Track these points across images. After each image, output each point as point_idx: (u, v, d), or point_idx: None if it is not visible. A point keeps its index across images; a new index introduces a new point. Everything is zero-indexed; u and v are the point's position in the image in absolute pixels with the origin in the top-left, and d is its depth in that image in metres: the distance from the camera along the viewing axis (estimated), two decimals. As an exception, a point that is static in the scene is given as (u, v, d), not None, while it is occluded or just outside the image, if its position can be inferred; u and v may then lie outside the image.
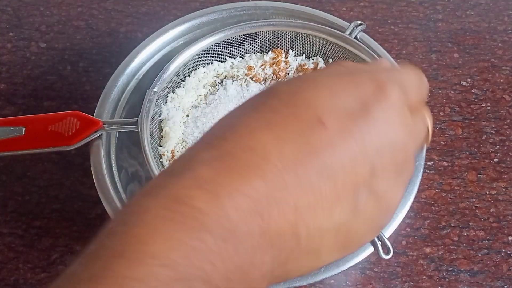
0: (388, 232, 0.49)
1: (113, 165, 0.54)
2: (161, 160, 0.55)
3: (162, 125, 0.57)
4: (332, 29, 0.59)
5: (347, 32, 0.59)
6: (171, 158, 0.55)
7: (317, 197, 0.25)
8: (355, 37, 0.59)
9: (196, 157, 0.24)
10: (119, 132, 0.56)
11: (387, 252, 0.46)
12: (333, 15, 0.62)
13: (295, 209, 0.25)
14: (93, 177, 0.51)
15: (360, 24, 0.59)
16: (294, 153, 0.24)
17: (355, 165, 0.26)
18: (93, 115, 0.54)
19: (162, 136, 0.57)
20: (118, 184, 0.52)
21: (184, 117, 0.59)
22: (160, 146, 0.56)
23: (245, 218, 0.23)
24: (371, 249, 0.47)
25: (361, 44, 0.58)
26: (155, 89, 0.54)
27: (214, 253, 0.23)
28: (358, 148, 0.25)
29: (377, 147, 0.26)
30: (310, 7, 0.63)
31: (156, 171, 0.50)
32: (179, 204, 0.23)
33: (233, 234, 0.23)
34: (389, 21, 0.76)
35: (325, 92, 0.26)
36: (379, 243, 0.47)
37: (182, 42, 0.62)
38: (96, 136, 0.52)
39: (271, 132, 0.24)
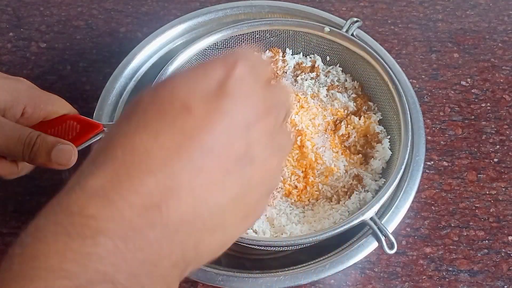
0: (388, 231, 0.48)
1: (113, 165, 0.54)
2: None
3: (162, 125, 0.57)
4: (328, 27, 0.59)
5: (344, 29, 0.59)
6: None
7: (206, 175, 0.26)
8: (352, 34, 0.59)
9: (84, 172, 0.26)
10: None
11: (391, 246, 0.46)
12: (333, 15, 0.62)
13: (190, 191, 0.26)
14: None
15: (357, 21, 0.59)
16: (172, 142, 0.26)
17: (230, 139, 0.27)
18: (93, 115, 0.54)
19: (162, 136, 0.57)
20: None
21: (183, 117, 0.59)
22: (160, 146, 0.56)
23: (141, 213, 0.25)
24: (372, 246, 0.47)
25: (358, 41, 0.58)
26: (154, 89, 0.54)
27: (114, 254, 0.24)
28: (227, 123, 0.27)
29: (243, 118, 0.28)
30: (310, 6, 0.63)
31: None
32: (71, 216, 0.24)
33: (132, 231, 0.24)
34: (389, 21, 0.76)
35: (182, 82, 0.28)
36: (383, 238, 0.46)
37: (180, 43, 0.63)
38: (97, 139, 0.51)
39: (146, 131, 0.26)
